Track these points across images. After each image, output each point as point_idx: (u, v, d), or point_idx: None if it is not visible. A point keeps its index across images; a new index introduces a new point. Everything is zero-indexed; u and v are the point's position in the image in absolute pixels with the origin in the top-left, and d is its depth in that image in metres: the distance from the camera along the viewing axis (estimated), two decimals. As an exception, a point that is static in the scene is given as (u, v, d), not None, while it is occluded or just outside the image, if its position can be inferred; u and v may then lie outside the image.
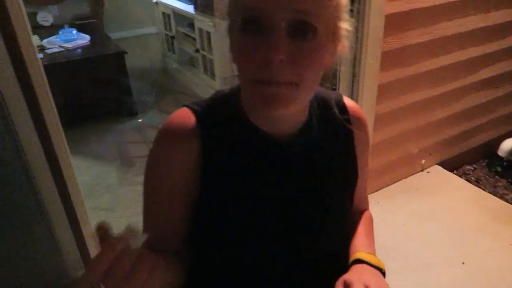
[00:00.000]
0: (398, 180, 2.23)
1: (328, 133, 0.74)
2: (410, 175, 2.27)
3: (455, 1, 1.82)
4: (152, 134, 2.79)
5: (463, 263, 1.70)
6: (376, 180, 2.08)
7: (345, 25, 0.62)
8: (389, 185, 2.19)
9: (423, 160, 2.29)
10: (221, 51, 2.91)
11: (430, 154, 2.29)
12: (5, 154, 1.30)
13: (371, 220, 0.89)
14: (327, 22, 0.58)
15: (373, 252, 0.78)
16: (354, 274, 0.68)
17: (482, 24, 1.99)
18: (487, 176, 2.42)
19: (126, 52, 2.95)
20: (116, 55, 2.93)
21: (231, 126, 0.68)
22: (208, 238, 0.72)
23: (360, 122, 0.78)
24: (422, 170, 2.32)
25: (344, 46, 0.64)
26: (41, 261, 1.53)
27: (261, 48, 0.55)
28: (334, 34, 0.61)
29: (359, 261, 0.73)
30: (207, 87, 3.25)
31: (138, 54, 3.71)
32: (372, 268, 0.71)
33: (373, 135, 1.90)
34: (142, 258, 0.50)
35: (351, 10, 1.46)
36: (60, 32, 3.18)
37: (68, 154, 1.32)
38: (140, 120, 2.50)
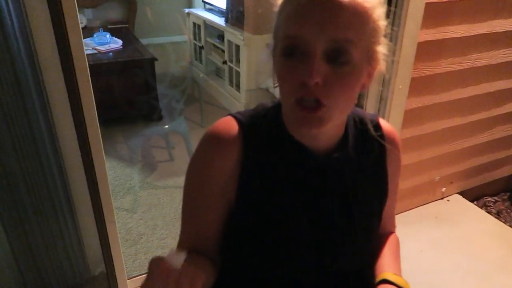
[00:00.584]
0: (418, 206, 2.22)
1: (363, 149, 0.76)
2: (430, 202, 2.26)
3: (486, 34, 1.84)
4: (175, 141, 2.87)
5: (480, 296, 1.68)
6: (399, 203, 2.07)
7: (382, 48, 0.65)
8: (409, 210, 2.18)
9: (444, 188, 2.28)
10: (248, 64, 2.97)
11: (451, 183, 2.28)
12: (42, 146, 1.36)
13: (397, 242, 0.90)
14: (364, 47, 0.61)
15: (399, 273, 0.80)
16: None
17: (511, 59, 2.00)
18: (508, 210, 2.39)
19: (156, 59, 3.04)
20: (147, 61, 3.01)
21: (271, 138, 0.72)
22: (240, 245, 0.74)
23: (394, 142, 0.80)
24: (442, 198, 2.31)
25: (382, 68, 0.67)
26: (64, 254, 1.57)
27: (298, 72, 0.59)
28: (371, 57, 0.63)
29: (385, 281, 0.75)
30: (231, 98, 3.31)
31: (165, 61, 3.80)
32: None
33: (396, 159, 1.90)
34: (184, 273, 0.53)
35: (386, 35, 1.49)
36: (95, 35, 3.29)
37: (102, 153, 1.37)
38: (166, 127, 2.56)
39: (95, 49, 3.16)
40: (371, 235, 0.81)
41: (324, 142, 0.71)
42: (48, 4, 1.10)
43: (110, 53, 3.18)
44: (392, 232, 0.92)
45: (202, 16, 3.64)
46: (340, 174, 0.74)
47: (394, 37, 1.64)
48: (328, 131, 0.68)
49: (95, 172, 1.37)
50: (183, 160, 2.63)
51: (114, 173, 2.47)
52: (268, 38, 2.57)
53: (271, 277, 0.75)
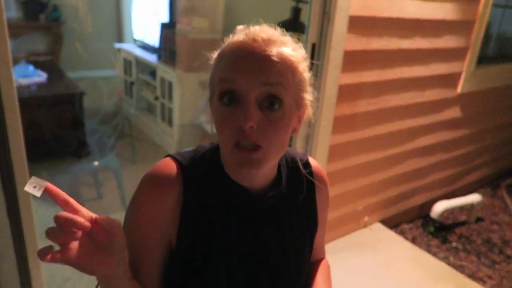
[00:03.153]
0: (343, 236, 2.36)
1: (294, 186, 0.82)
2: (355, 231, 2.42)
3: (397, 79, 2.09)
4: (104, 178, 2.77)
5: (402, 317, 1.82)
6: (326, 234, 2.19)
7: (308, 96, 0.73)
8: (335, 239, 2.32)
9: (367, 218, 2.46)
10: (181, 100, 3.01)
11: (372, 212, 2.47)
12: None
13: (328, 268, 0.97)
14: (293, 95, 0.69)
15: None
16: None
17: (419, 100, 2.28)
18: (421, 236, 2.63)
19: (84, 93, 2.95)
20: (74, 96, 2.92)
21: (211, 179, 0.75)
22: (181, 283, 0.76)
23: (322, 178, 0.88)
24: (365, 227, 2.48)
25: (309, 113, 0.76)
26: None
27: (235, 118, 0.65)
28: (299, 103, 0.71)
29: None
30: (163, 134, 3.30)
31: (95, 95, 3.70)
32: None
33: (323, 192, 2.04)
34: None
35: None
36: (16, 67, 3.12)
37: (29, 196, 1.30)
38: (96, 163, 2.47)
39: (17, 82, 2.99)
40: (304, 265, 0.86)
41: (260, 182, 0.76)
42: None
43: (34, 87, 3.03)
44: (323, 257, 0.99)
45: (133, 53, 3.64)
46: (275, 211, 0.80)
47: (319, 81, 1.81)
48: (264, 171, 0.73)
49: (19, 214, 1.30)
50: (112, 198, 2.54)
51: (37, 213, 2.30)
52: (200, 76, 2.67)
53: None
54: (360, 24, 1.80)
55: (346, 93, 1.92)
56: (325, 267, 0.96)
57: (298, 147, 1.93)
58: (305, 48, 1.80)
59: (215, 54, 0.72)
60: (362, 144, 2.15)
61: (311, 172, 0.86)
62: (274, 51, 0.66)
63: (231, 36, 0.70)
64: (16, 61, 3.31)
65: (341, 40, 1.76)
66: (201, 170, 0.75)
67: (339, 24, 1.72)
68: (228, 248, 0.76)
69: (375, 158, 2.25)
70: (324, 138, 1.93)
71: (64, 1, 4.36)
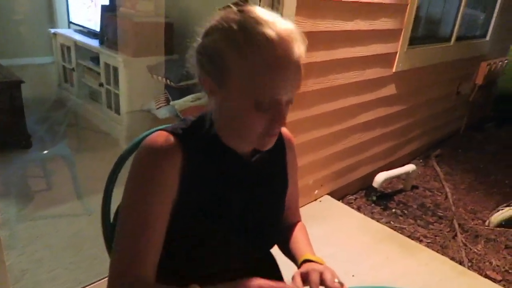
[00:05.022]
0: (297, 209, 2.50)
1: (270, 150, 0.90)
2: (306, 204, 2.57)
3: (341, 59, 2.24)
4: (54, 167, 2.66)
5: (353, 275, 2.00)
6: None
7: None
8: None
9: (316, 191, 2.62)
10: (128, 86, 2.95)
11: (321, 185, 2.64)
12: None
13: (305, 228, 1.08)
14: None
15: (314, 255, 0.96)
16: (308, 267, 0.85)
17: (360, 79, 2.45)
18: (365, 204, 2.86)
19: (23, 81, 2.80)
20: (11, 84, 2.75)
21: (206, 147, 0.82)
22: (180, 241, 0.82)
23: (290, 141, 1.01)
24: (315, 200, 2.65)
25: None
26: None
27: (268, 118, 0.75)
28: None
29: (307, 260, 0.90)
30: (111, 121, 3.22)
31: (32, 84, 3.50)
32: (324, 265, 0.89)
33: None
34: None
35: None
36: None
37: None
38: (45, 152, 2.38)
39: None
40: (280, 218, 0.97)
41: (250, 148, 0.87)
42: None
43: (-37, 76, 2.81)
44: (299, 220, 1.09)
45: (72, 37, 3.48)
46: (260, 171, 0.90)
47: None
48: None
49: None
50: (63, 188, 2.47)
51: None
52: (148, 60, 2.65)
53: (207, 257, 0.84)
54: (307, 7, 1.90)
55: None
56: (303, 228, 1.06)
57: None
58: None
59: (229, 48, 0.73)
60: (311, 122, 2.28)
61: (281, 136, 0.96)
62: (301, 56, 0.74)
63: (251, 26, 0.71)
64: None
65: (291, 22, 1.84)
66: (196, 139, 0.81)
67: (289, 7, 1.81)
68: (224, 204, 0.84)
69: (323, 134, 2.40)
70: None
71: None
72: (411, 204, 2.95)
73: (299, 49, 0.73)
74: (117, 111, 3.14)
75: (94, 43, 3.27)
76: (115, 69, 3.01)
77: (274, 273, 1.03)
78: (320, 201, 2.67)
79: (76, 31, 3.69)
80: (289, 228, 1.04)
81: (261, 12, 0.74)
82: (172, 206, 0.78)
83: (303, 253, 0.94)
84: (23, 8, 4.29)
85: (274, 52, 0.70)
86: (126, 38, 2.84)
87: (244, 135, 0.80)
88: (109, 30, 3.06)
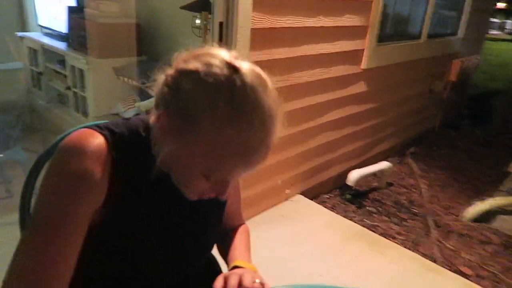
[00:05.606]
0: (266, 209, 2.47)
1: None
2: (277, 204, 2.53)
3: (305, 56, 2.21)
4: (13, 172, 2.58)
5: (320, 275, 1.96)
6: (249, 209, 2.28)
7: None
8: (258, 214, 2.41)
9: (287, 191, 2.58)
10: (95, 89, 2.89)
11: (292, 185, 2.61)
12: None
13: (246, 232, 1.02)
14: None
15: (248, 260, 0.92)
16: (231, 271, 0.81)
17: (326, 76, 2.43)
18: (339, 203, 2.83)
19: (-15, 86, 2.72)
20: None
21: (139, 158, 0.73)
22: (98, 259, 0.74)
23: None
24: (286, 200, 2.61)
25: None
26: None
27: (210, 187, 0.71)
28: None
29: (236, 267, 0.85)
30: (79, 125, 3.15)
31: (2, 89, 3.42)
32: (246, 268, 0.84)
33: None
34: None
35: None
36: None
37: None
38: (0, 155, 2.31)
39: None
40: (215, 235, 0.91)
41: None
42: None
43: None
44: (241, 224, 1.04)
45: (39, 41, 3.41)
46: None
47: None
48: None
49: None
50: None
51: None
52: (113, 62, 2.58)
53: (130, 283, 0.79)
54: (265, 3, 1.87)
55: (257, 70, 1.99)
56: (243, 232, 1.01)
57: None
58: (213, 27, 1.84)
59: (205, 111, 0.63)
60: (277, 120, 2.24)
61: None
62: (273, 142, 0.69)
63: (239, 102, 0.63)
64: None
65: (247, 18, 1.81)
66: (130, 147, 0.72)
67: (245, 2, 1.77)
68: (151, 224, 0.77)
69: (290, 133, 2.37)
70: (239, 115, 1.99)
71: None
72: (386, 201, 2.93)
73: (274, 135, 0.68)
74: (85, 114, 3.07)
75: (61, 45, 3.21)
76: (81, 72, 2.95)
77: (213, 270, 0.98)
78: (292, 200, 2.63)
79: (45, 34, 3.62)
80: (228, 232, 1.00)
81: (252, 77, 0.65)
82: (95, 217, 0.70)
83: (235, 259, 0.90)
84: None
85: (251, 140, 0.64)
86: (90, 40, 2.78)
87: (178, 183, 0.73)
88: (76, 32, 3.00)
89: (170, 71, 0.67)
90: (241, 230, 1.02)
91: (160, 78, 0.69)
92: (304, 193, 2.71)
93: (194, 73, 0.64)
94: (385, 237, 2.43)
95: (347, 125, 2.84)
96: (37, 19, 3.78)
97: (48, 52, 3.37)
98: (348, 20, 2.40)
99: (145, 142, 0.73)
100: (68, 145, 0.67)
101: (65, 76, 3.22)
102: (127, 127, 0.74)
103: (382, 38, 2.82)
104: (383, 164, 3.06)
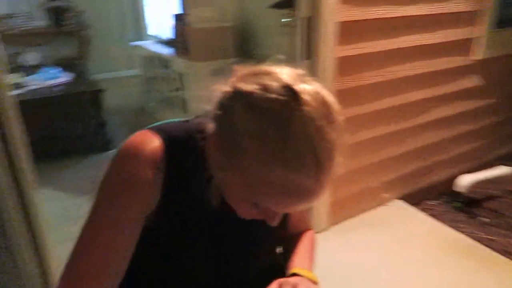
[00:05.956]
0: (360, 213, 2.32)
1: None
2: (371, 209, 2.37)
3: (402, 48, 2.02)
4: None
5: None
6: (338, 212, 2.18)
7: None
8: (351, 217, 2.28)
9: (385, 194, 2.40)
10: (193, 91, 3.07)
11: (391, 189, 2.41)
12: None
13: (311, 239, 0.96)
14: None
15: (309, 269, 0.85)
16: (284, 279, 0.76)
17: (429, 69, 2.18)
18: (446, 211, 2.53)
19: (101, 90, 3.09)
20: (92, 93, 3.06)
21: (194, 164, 0.71)
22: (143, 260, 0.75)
23: None
24: (383, 204, 2.42)
25: None
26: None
27: (260, 215, 0.66)
28: None
29: (294, 274, 0.80)
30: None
31: (119, 94, 3.87)
32: (303, 277, 0.78)
33: (332, 169, 2.02)
34: None
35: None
36: (43, 71, 3.32)
37: (34, 189, 1.40)
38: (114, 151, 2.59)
39: (43, 83, 3.18)
40: (267, 244, 0.88)
41: None
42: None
43: (59, 87, 3.21)
44: (306, 229, 0.98)
45: (149, 49, 3.75)
46: None
47: (312, 53, 1.79)
48: None
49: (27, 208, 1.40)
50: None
51: (63, 204, 2.45)
52: (211, 64, 2.67)
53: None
54: (354, -7, 1.75)
55: (346, 66, 1.88)
56: (307, 238, 0.95)
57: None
58: (298, 23, 1.79)
59: (255, 143, 0.57)
60: (371, 118, 2.09)
61: None
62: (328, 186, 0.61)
63: (295, 138, 0.55)
64: (44, 66, 3.53)
65: (333, 11, 1.72)
66: (185, 152, 0.71)
67: (331, -6, 1.68)
68: (201, 231, 0.76)
69: (386, 132, 2.19)
70: (327, 114, 1.90)
71: (86, 6, 4.55)
72: (505, 212, 2.53)
73: (334, 171, 0.59)
74: (186, 115, 3.28)
75: (168, 52, 3.47)
76: (184, 75, 3.15)
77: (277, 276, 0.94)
78: (389, 205, 2.43)
79: (155, 42, 3.96)
80: (291, 238, 0.94)
81: (314, 106, 0.57)
82: (146, 220, 0.70)
83: (294, 266, 0.84)
84: (116, 24, 4.78)
85: (302, 182, 0.56)
86: (190, 44, 2.95)
87: (228, 201, 0.69)
88: (180, 38, 3.21)
89: (227, 87, 0.62)
90: (305, 236, 0.96)
91: (218, 90, 0.64)
92: (405, 198, 2.49)
93: (248, 96, 0.58)
94: (502, 255, 2.09)
95: (455, 124, 2.52)
96: (147, 29, 4.16)
97: (157, 58, 3.68)
98: (455, 5, 2.12)
99: (201, 147, 0.69)
100: (124, 149, 0.68)
101: (171, 79, 3.48)
102: (186, 130, 0.73)
103: (502, 22, 2.43)
104: (502, 169, 2.65)
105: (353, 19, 1.80)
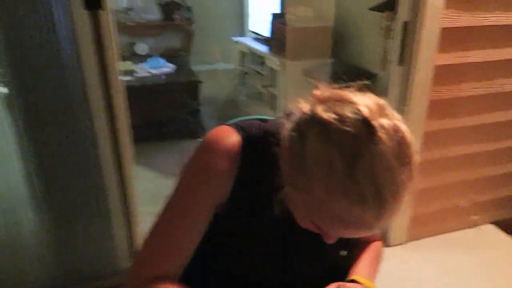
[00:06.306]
0: (444, 232, 2.17)
1: None
2: (457, 230, 2.20)
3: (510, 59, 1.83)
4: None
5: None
6: (419, 228, 2.06)
7: None
8: (433, 235, 2.14)
9: (474, 216, 2.21)
10: (284, 88, 3.12)
11: (482, 211, 2.21)
12: (87, 155, 1.58)
13: (378, 250, 0.95)
14: None
15: (370, 278, 0.85)
16: (341, 283, 0.76)
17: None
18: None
19: (200, 82, 3.29)
20: (191, 83, 3.28)
21: (266, 164, 0.70)
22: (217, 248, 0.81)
23: None
24: (472, 227, 2.23)
25: None
26: (96, 249, 1.76)
27: (318, 230, 0.67)
28: None
29: (353, 281, 0.80)
30: (269, 120, 3.47)
31: (214, 85, 4.08)
32: (362, 285, 0.78)
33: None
34: None
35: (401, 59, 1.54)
36: (149, 60, 3.64)
37: (132, 164, 1.59)
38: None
39: (149, 72, 3.50)
40: (331, 250, 0.86)
41: None
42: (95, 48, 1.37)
43: (163, 76, 3.50)
44: (375, 240, 0.96)
45: (248, 45, 3.88)
46: None
47: (409, 60, 1.71)
48: None
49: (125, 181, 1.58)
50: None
51: (155, 183, 2.69)
52: (303, 64, 2.72)
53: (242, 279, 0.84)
54: (462, -2, 1.64)
55: (445, 75, 1.76)
56: (374, 248, 0.94)
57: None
58: (396, 27, 1.73)
59: (322, 172, 0.57)
60: (466, 133, 1.94)
61: None
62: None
63: (361, 176, 0.55)
64: (152, 55, 3.88)
65: (436, 16, 1.63)
66: (260, 151, 0.72)
67: (435, -1, 1.60)
68: (266, 227, 0.79)
69: (484, 150, 2.01)
70: (416, 123, 1.82)
71: (195, 2, 4.85)
72: None
73: (398, 210, 0.59)
74: (275, 112, 3.35)
75: (264, 48, 3.57)
76: (276, 72, 3.22)
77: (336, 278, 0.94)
78: (479, 229, 2.24)
79: (253, 38, 4.10)
80: (357, 244, 0.94)
81: (389, 144, 0.55)
82: (217, 209, 0.75)
83: (355, 273, 0.84)
84: (220, 20, 5.03)
85: (362, 216, 0.57)
86: (285, 43, 3.00)
87: (291, 210, 0.70)
88: (275, 36, 3.29)
89: (306, 108, 0.62)
90: (372, 246, 0.94)
91: (299, 109, 0.64)
92: (497, 224, 2.26)
93: (324, 125, 0.57)
94: None
95: None
96: (248, 25, 4.31)
97: (254, 54, 3.80)
98: None
99: (274, 151, 0.69)
100: (206, 140, 0.73)
101: (263, 76, 3.57)
102: (263, 131, 0.75)
103: None
104: None
105: (458, 26, 1.68)
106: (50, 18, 1.35)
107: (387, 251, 2.06)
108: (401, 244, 2.06)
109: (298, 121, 0.62)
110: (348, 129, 0.55)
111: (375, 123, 0.55)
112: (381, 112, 0.58)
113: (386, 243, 2.08)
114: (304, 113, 0.62)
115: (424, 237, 2.11)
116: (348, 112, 0.57)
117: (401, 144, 0.57)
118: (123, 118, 1.51)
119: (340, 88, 0.65)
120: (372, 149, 0.54)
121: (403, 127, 0.58)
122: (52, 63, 1.43)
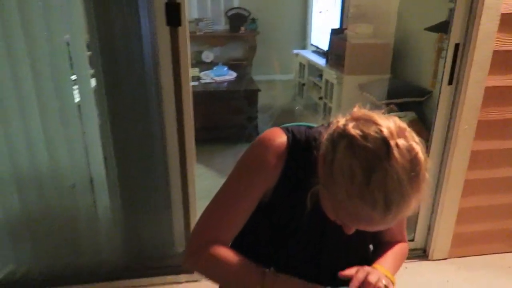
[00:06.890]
0: (486, 253, 2.15)
1: None
2: (503, 253, 2.17)
3: None
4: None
5: None
6: (463, 246, 2.09)
7: None
8: (476, 255, 2.14)
9: (521, 241, 2.17)
10: (338, 100, 3.23)
11: (534, 237, 2.17)
12: (156, 150, 1.82)
13: (402, 250, 1.03)
14: None
15: (390, 271, 0.94)
16: (360, 267, 0.88)
17: None
18: None
19: (259, 90, 3.50)
20: (251, 91, 3.50)
21: (305, 164, 0.83)
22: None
23: None
24: (517, 251, 2.20)
25: None
26: (158, 235, 1.98)
27: (346, 229, 0.79)
28: None
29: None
30: (322, 131, 3.58)
31: (272, 94, 4.27)
32: (379, 270, 0.89)
33: (461, 201, 1.96)
34: None
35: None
36: (214, 68, 3.93)
37: (193, 164, 1.78)
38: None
39: (213, 79, 3.78)
40: (360, 246, 0.99)
41: None
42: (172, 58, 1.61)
43: (225, 83, 3.76)
44: (400, 241, 1.05)
45: (307, 57, 4.04)
46: None
47: (460, 80, 1.78)
48: None
49: (187, 177, 1.80)
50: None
51: (212, 180, 2.91)
52: (359, 79, 2.87)
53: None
54: (515, 23, 1.68)
55: (496, 96, 1.80)
56: (398, 249, 1.02)
57: (434, 149, 1.92)
58: (448, 48, 1.80)
59: (342, 176, 0.68)
60: (517, 155, 1.94)
61: None
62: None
63: (377, 185, 0.65)
64: (217, 63, 4.16)
65: (488, 39, 1.69)
66: (301, 153, 0.85)
67: (487, 22, 1.66)
68: (301, 228, 0.90)
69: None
70: (464, 142, 1.86)
71: (260, 15, 5.10)
72: None
73: (402, 215, 0.70)
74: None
75: (322, 62, 3.72)
76: (332, 85, 3.34)
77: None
78: (529, 255, 2.19)
79: (312, 51, 4.25)
80: (383, 245, 1.03)
81: (402, 163, 0.65)
82: (262, 197, 0.87)
83: (376, 264, 0.94)
84: (284, 32, 5.24)
85: (371, 215, 0.68)
86: (343, 57, 3.12)
87: (322, 205, 0.81)
88: (333, 50, 3.42)
89: (341, 123, 0.72)
90: (397, 246, 1.02)
91: (337, 122, 0.74)
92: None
93: (351, 139, 0.68)
94: None
95: None
96: (311, 38, 4.47)
97: (312, 67, 3.96)
98: None
99: (314, 154, 0.80)
100: (260, 139, 0.86)
101: (320, 88, 3.71)
102: (307, 136, 0.86)
103: None
104: None
105: (510, 49, 1.72)
106: (138, 31, 1.61)
107: (428, 265, 2.11)
108: (443, 259, 2.09)
109: (333, 133, 0.73)
110: (369, 145, 0.66)
111: (392, 142, 0.65)
112: (400, 133, 0.67)
113: (427, 256, 2.12)
114: (339, 127, 0.72)
115: (467, 255, 2.12)
116: (371, 131, 0.67)
117: (412, 162, 0.66)
118: (189, 120, 1.73)
119: (374, 109, 0.76)
120: (385, 165, 0.65)
121: (417, 147, 0.68)
122: (135, 67, 1.69)
